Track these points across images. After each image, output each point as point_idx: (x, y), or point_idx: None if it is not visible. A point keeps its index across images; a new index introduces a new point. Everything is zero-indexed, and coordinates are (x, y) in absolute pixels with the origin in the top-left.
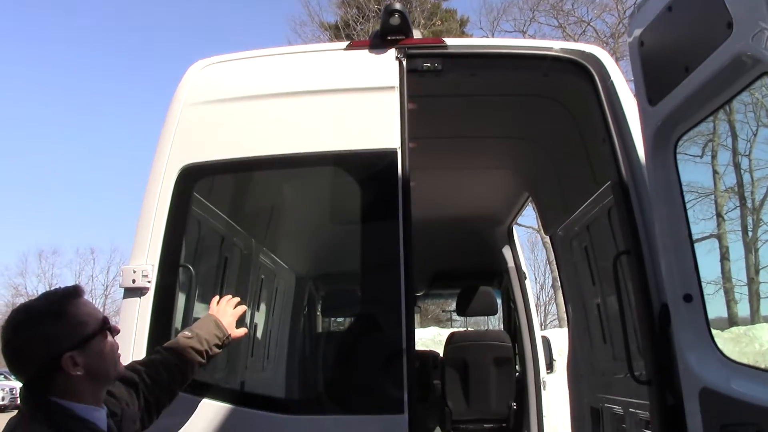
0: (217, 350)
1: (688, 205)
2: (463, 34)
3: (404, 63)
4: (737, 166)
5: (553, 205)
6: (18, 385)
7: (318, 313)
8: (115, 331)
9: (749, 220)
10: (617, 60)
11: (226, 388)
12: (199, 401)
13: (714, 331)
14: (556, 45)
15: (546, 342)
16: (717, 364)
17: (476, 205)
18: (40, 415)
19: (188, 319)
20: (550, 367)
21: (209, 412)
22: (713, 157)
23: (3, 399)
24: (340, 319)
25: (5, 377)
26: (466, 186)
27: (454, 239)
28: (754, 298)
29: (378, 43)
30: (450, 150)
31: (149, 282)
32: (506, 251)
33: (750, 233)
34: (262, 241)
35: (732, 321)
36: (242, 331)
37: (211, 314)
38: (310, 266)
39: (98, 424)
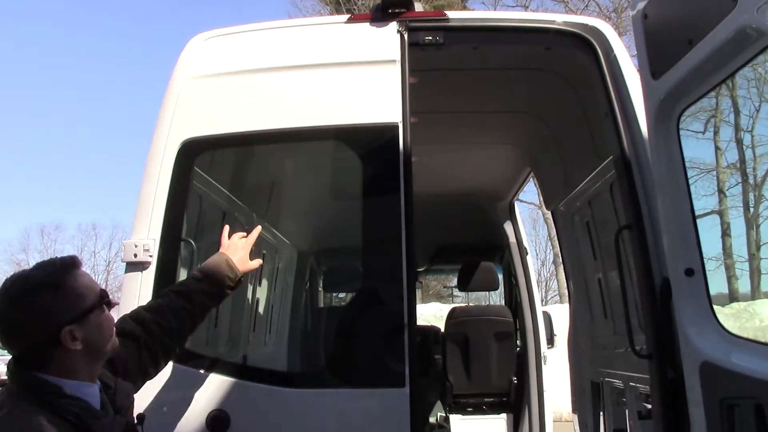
0: (228, 291)
1: (690, 181)
2: (465, 8)
3: (405, 36)
4: (739, 142)
5: (554, 179)
6: None
7: (320, 288)
8: (112, 305)
9: (751, 196)
10: (620, 35)
11: (228, 362)
12: (202, 375)
13: (714, 306)
14: (558, 18)
15: (547, 317)
16: (717, 338)
17: (478, 180)
18: (27, 393)
19: None
20: (550, 342)
21: (212, 386)
22: (715, 133)
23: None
24: (341, 294)
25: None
26: (467, 161)
27: (455, 214)
28: (755, 273)
29: (379, 16)
30: (451, 125)
31: (151, 256)
32: (508, 227)
33: (751, 209)
34: (263, 216)
35: (732, 297)
36: (256, 262)
37: (222, 252)
38: (311, 241)
39: (89, 401)
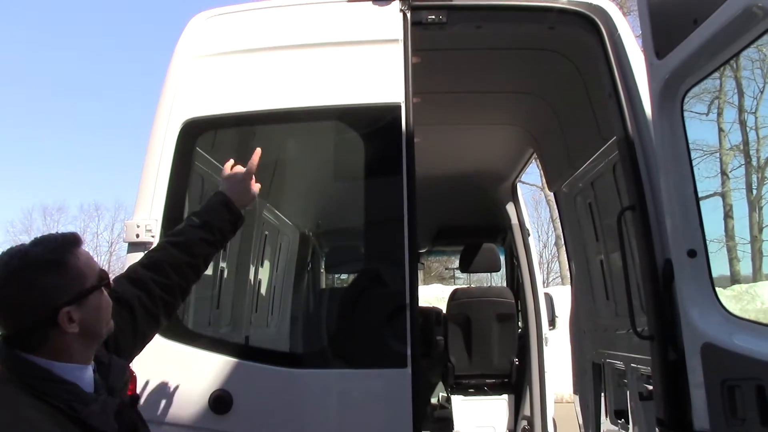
0: (230, 235)
1: (693, 163)
2: None
3: (408, 15)
4: (743, 124)
5: (557, 161)
6: None
7: (322, 269)
8: (111, 287)
9: (754, 178)
10: (625, 15)
11: (231, 342)
12: (205, 355)
13: (716, 288)
14: None
15: (548, 299)
16: (719, 319)
17: (480, 161)
18: (14, 375)
19: None
20: (552, 323)
21: (214, 366)
22: (719, 114)
23: None
24: (343, 275)
25: None
26: (470, 142)
27: (457, 196)
28: (757, 256)
29: None
30: (454, 105)
31: (153, 237)
32: (510, 208)
33: (754, 191)
34: (265, 197)
35: (734, 278)
36: (257, 188)
37: (221, 192)
38: (313, 222)
39: (81, 385)
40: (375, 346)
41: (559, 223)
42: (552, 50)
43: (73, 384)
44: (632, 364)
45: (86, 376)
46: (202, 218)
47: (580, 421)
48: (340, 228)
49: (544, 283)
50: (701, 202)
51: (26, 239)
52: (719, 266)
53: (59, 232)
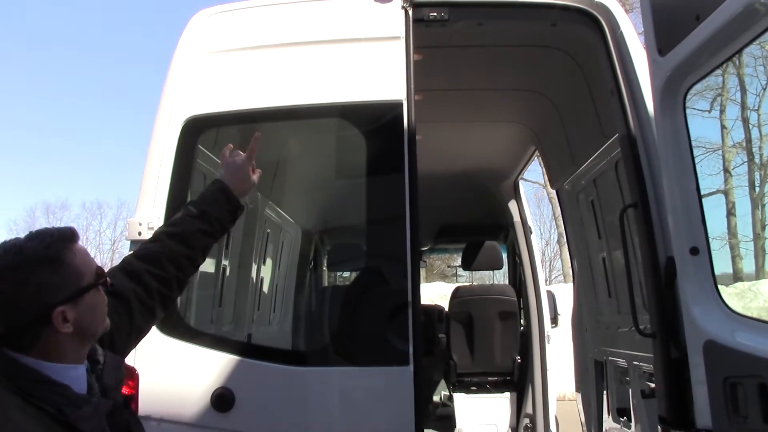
0: (230, 225)
1: (696, 161)
2: None
3: (410, 12)
4: (745, 121)
5: (560, 158)
6: None
7: (324, 267)
8: (108, 285)
9: (756, 175)
10: (627, 12)
11: (233, 340)
12: (207, 353)
13: (719, 286)
14: None
15: (551, 296)
16: (722, 317)
17: (482, 158)
18: (2, 376)
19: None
20: (554, 321)
21: (217, 364)
22: (722, 111)
23: None
24: (346, 273)
25: None
26: (472, 139)
27: (459, 193)
28: (759, 253)
29: None
30: (456, 102)
31: None
32: (512, 205)
33: (757, 189)
34: (267, 195)
35: (737, 276)
36: (257, 176)
37: (219, 180)
38: (315, 220)
39: (73, 386)
40: (377, 344)
41: (562, 221)
42: (554, 47)
43: (64, 386)
44: (634, 362)
45: (79, 376)
46: (200, 208)
47: (582, 419)
48: (342, 225)
49: (546, 280)
50: (704, 200)
51: None
52: (722, 264)
53: (56, 226)
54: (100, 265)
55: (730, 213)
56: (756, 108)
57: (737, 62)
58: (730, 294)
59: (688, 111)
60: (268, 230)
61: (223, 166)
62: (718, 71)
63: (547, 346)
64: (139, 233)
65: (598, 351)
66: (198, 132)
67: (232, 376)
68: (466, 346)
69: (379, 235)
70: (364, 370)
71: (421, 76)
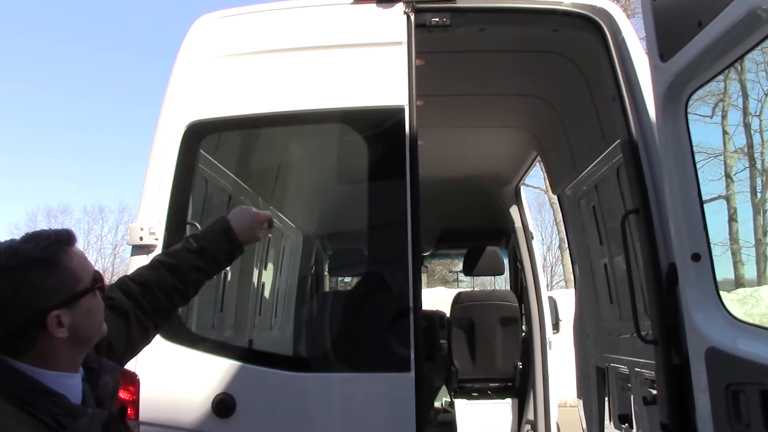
0: (225, 265)
1: (697, 166)
2: None
3: (412, 18)
4: (747, 127)
5: (561, 164)
6: None
7: (325, 272)
8: (104, 290)
9: (758, 181)
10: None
11: (234, 345)
12: (208, 359)
13: (720, 291)
14: None
15: (552, 302)
16: (724, 324)
17: (484, 164)
18: None
19: None
20: (556, 327)
21: (218, 369)
22: (723, 117)
23: None
24: (347, 278)
25: None
26: (474, 144)
27: (461, 198)
28: (761, 259)
29: None
30: (458, 107)
31: (157, 239)
32: (513, 211)
33: (759, 194)
34: (268, 200)
35: (739, 282)
36: (262, 233)
37: (225, 219)
38: (317, 225)
39: (68, 395)
40: (378, 350)
41: (563, 226)
42: (556, 53)
43: (60, 395)
44: (636, 368)
45: (74, 385)
46: (200, 243)
47: (584, 426)
48: (344, 231)
49: (547, 286)
50: (706, 205)
51: None
52: (723, 269)
53: (53, 228)
54: (98, 269)
55: (732, 218)
56: (758, 113)
57: (739, 68)
58: (732, 300)
59: (690, 116)
60: (270, 235)
61: (238, 209)
62: (720, 77)
63: (549, 352)
64: (141, 238)
65: (600, 357)
66: (200, 137)
67: (233, 382)
68: (468, 351)
69: (380, 240)
70: (366, 377)
71: (422, 81)
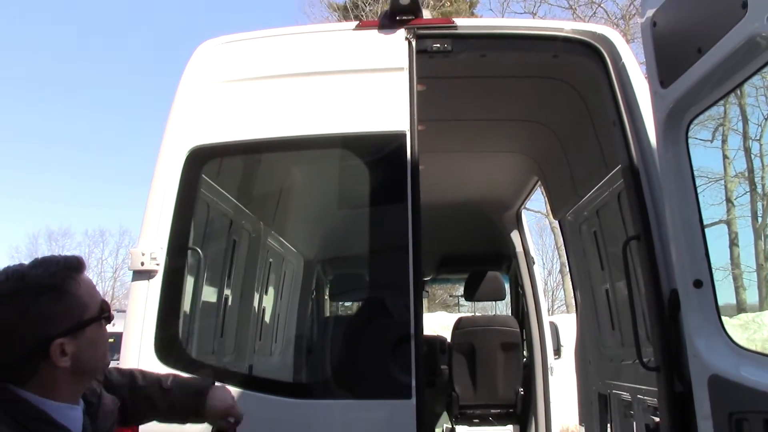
0: (179, 421)
1: (698, 191)
2: (472, 15)
3: (413, 44)
4: (747, 151)
5: (562, 189)
6: None
7: (326, 297)
8: (111, 320)
9: (759, 205)
10: (628, 42)
11: (234, 371)
12: None
13: (723, 317)
14: (566, 26)
15: (553, 327)
16: (726, 351)
17: (485, 188)
18: (3, 412)
19: (197, 302)
20: (557, 352)
21: None
22: (724, 141)
23: None
24: (348, 303)
25: None
26: (475, 169)
27: (462, 223)
28: (763, 284)
29: (387, 23)
30: (459, 133)
31: (158, 265)
32: (515, 236)
33: (760, 219)
34: (270, 224)
35: (740, 307)
36: (228, 425)
37: (209, 385)
38: (318, 250)
39: (69, 427)
40: (379, 377)
41: (564, 251)
42: (556, 78)
43: (64, 427)
44: (638, 395)
45: (76, 417)
46: (171, 385)
47: None
48: (345, 255)
49: (548, 311)
50: (707, 230)
51: None
52: (725, 294)
53: (63, 255)
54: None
55: (733, 243)
56: (758, 138)
57: (739, 92)
58: (734, 326)
59: (690, 140)
60: (271, 260)
61: (226, 391)
62: (721, 102)
63: (551, 378)
64: (142, 263)
65: (602, 384)
66: (202, 162)
67: None
68: (469, 377)
69: (381, 265)
70: (366, 403)
71: (424, 106)
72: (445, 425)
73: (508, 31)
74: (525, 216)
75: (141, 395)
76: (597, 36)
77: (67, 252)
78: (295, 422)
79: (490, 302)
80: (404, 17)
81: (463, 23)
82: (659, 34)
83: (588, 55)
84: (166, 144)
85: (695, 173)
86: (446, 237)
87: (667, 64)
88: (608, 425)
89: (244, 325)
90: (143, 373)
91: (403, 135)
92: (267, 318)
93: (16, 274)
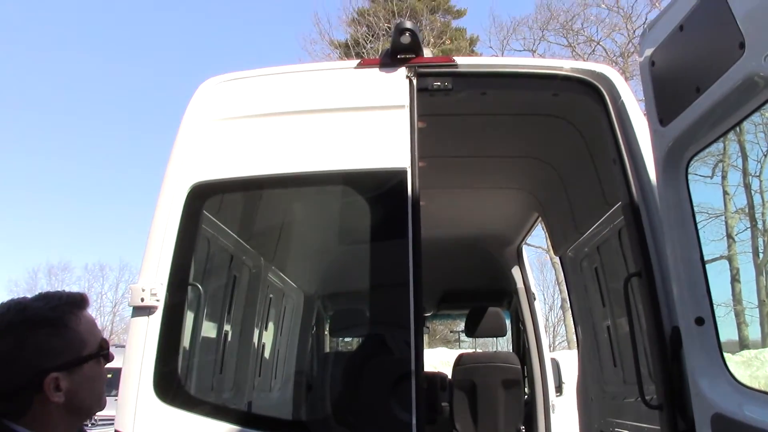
0: None
1: (699, 228)
2: (472, 53)
3: (414, 82)
4: (748, 187)
5: (563, 225)
6: None
7: (326, 333)
8: (110, 359)
9: (760, 241)
10: (627, 79)
11: (233, 408)
12: (207, 423)
13: (725, 355)
14: (566, 64)
15: (555, 364)
16: (729, 389)
17: (486, 225)
18: None
19: (196, 338)
20: (559, 389)
21: None
22: (724, 177)
23: None
24: (348, 339)
25: None
26: (475, 206)
27: (463, 259)
28: (765, 320)
29: (388, 61)
30: (460, 169)
31: (158, 301)
32: (515, 272)
33: (761, 255)
34: (270, 260)
35: (743, 344)
36: None
37: None
38: (318, 285)
39: None
40: (379, 413)
41: (565, 287)
42: (556, 116)
43: None
44: None
45: None
46: None
47: None
48: (346, 292)
49: (550, 346)
50: (708, 266)
51: None
52: (727, 330)
53: (67, 291)
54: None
55: (734, 279)
56: (758, 174)
57: (738, 130)
58: (737, 363)
59: (690, 177)
60: (271, 295)
61: None
62: (720, 139)
63: (552, 416)
64: (142, 299)
65: (604, 422)
66: (204, 198)
67: None
68: (470, 414)
69: (382, 301)
70: None
71: (425, 143)
72: None
73: (508, 69)
74: (526, 251)
75: None
76: (596, 74)
77: (66, 286)
78: None
79: (491, 338)
80: (405, 56)
81: (464, 62)
82: (658, 73)
83: (587, 93)
84: (167, 180)
85: (695, 209)
86: (447, 273)
87: (665, 102)
88: None
89: (244, 361)
90: None
91: (404, 172)
92: (267, 354)
93: (17, 305)
